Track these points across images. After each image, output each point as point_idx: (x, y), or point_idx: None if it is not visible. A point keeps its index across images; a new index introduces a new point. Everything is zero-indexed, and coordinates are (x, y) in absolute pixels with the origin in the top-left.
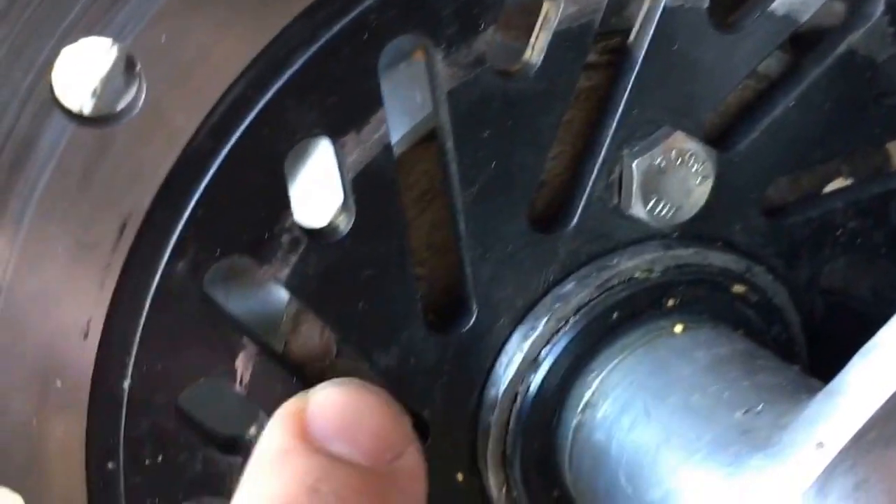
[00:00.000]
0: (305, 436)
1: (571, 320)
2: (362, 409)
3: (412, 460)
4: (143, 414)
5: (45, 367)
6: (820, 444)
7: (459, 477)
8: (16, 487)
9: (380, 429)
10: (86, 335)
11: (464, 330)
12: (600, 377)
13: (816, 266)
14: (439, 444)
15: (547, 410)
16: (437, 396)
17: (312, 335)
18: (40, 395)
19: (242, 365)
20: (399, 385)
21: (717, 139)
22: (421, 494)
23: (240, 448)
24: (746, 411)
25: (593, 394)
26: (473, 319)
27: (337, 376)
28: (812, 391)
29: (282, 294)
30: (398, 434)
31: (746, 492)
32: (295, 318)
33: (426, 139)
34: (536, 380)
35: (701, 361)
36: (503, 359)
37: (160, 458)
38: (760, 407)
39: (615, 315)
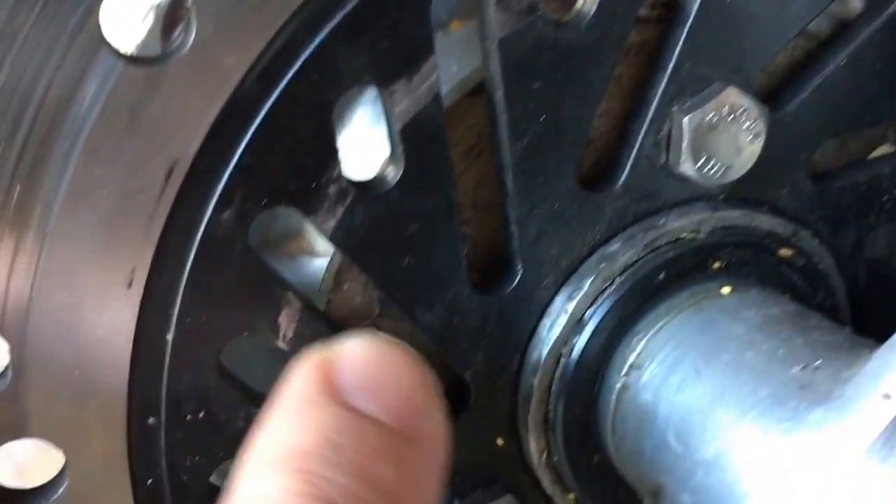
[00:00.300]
0: (330, 387)
1: (617, 280)
2: (391, 367)
3: (436, 426)
4: (185, 368)
5: (88, 317)
6: (887, 396)
7: (499, 441)
8: (57, 442)
9: (407, 389)
10: (129, 285)
11: (508, 290)
12: (646, 338)
13: (862, 232)
14: (480, 407)
15: (591, 373)
16: (480, 358)
17: (355, 293)
18: (83, 344)
19: (286, 321)
20: (442, 345)
21: (766, 100)
22: (441, 462)
23: None
24: (804, 367)
25: (639, 355)
26: (518, 279)
27: (380, 331)
28: (870, 348)
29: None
30: (425, 397)
31: (807, 447)
32: (337, 276)
33: (472, 93)
34: (581, 342)
35: (752, 320)
36: (547, 320)
37: (202, 415)
38: (818, 362)
39: (661, 276)
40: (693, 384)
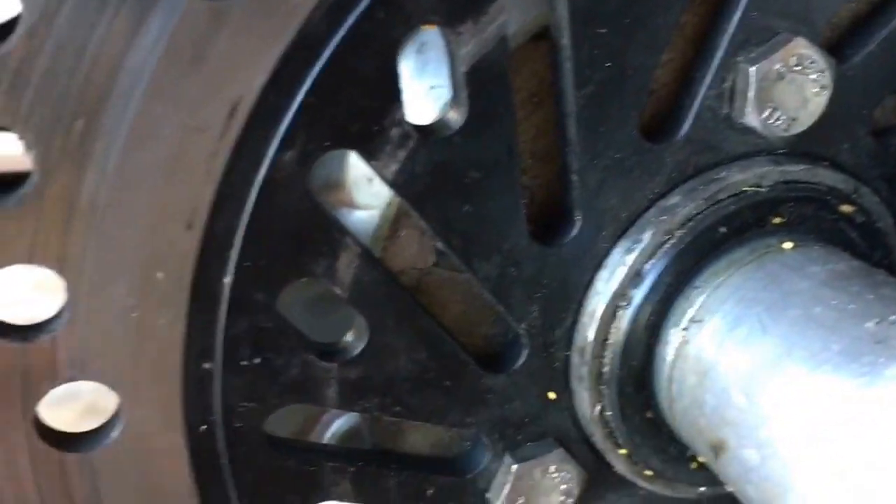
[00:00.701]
0: None
1: (677, 234)
2: None
3: None
4: (242, 312)
5: (148, 257)
6: None
7: (552, 396)
8: (112, 384)
9: None
10: (190, 226)
11: (565, 241)
12: (706, 293)
13: None
14: (534, 360)
15: (648, 327)
16: (535, 310)
17: (411, 242)
18: (142, 286)
19: (343, 267)
20: (497, 296)
21: (830, 53)
22: None
23: (336, 355)
24: (879, 321)
25: (699, 310)
26: (576, 230)
27: (433, 286)
28: None
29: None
30: None
31: (884, 400)
32: (394, 224)
33: (535, 38)
34: (638, 295)
35: (818, 276)
36: (604, 273)
37: (257, 361)
38: (894, 317)
39: (722, 230)
40: (759, 339)
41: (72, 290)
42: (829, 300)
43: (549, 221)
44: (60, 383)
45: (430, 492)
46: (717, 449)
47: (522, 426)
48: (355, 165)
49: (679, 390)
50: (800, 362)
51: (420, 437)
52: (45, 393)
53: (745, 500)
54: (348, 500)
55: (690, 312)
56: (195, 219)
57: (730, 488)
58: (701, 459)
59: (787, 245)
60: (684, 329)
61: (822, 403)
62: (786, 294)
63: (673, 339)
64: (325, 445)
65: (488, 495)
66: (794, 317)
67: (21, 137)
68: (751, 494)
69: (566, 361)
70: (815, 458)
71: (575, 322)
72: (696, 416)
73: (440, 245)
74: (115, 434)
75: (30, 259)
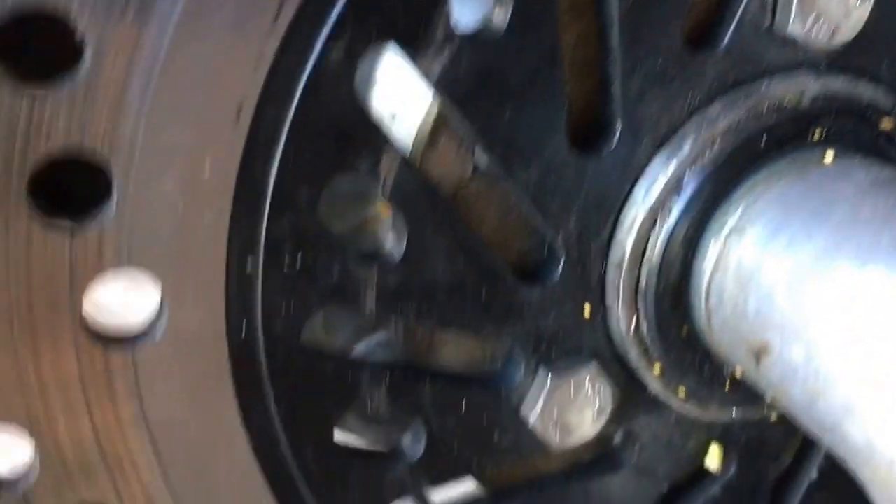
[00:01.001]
0: None
1: (717, 144)
2: None
3: None
4: (285, 210)
5: (196, 149)
6: None
7: (587, 311)
8: (158, 273)
9: None
10: (237, 118)
11: (605, 151)
12: (746, 203)
13: None
14: (570, 273)
15: (686, 240)
16: (572, 221)
17: (449, 151)
18: (189, 177)
19: (386, 168)
20: (535, 206)
21: None
22: None
23: (376, 260)
24: None
25: (739, 220)
26: (616, 139)
27: (470, 198)
28: None
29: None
30: None
31: None
32: (433, 134)
33: None
34: (678, 205)
35: (862, 182)
36: (643, 183)
37: (298, 261)
38: None
39: (762, 141)
40: (804, 242)
41: (120, 180)
42: (875, 202)
43: (588, 132)
44: (106, 278)
45: (463, 405)
46: (760, 353)
47: (557, 341)
48: (378, 105)
49: (718, 301)
50: (848, 259)
51: (454, 354)
52: (90, 286)
53: (787, 402)
54: (383, 410)
55: (731, 223)
56: (243, 110)
57: (769, 395)
58: (738, 372)
59: (829, 156)
60: (724, 239)
61: (870, 298)
62: (829, 200)
63: (712, 250)
64: (362, 355)
65: (522, 410)
66: (840, 220)
67: (74, 22)
68: (794, 394)
69: (602, 275)
70: (863, 353)
71: (612, 234)
72: (737, 323)
73: (479, 154)
74: (158, 332)
75: (80, 148)
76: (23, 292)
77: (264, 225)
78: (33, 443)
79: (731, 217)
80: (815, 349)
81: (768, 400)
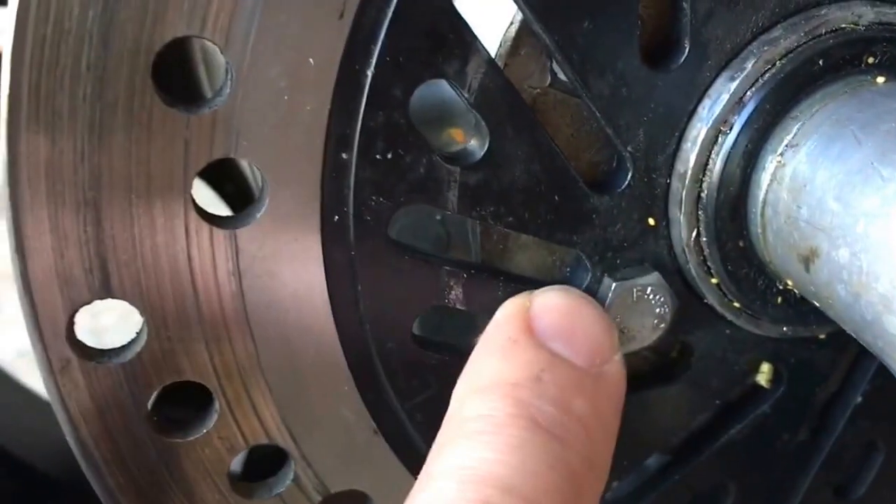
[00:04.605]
0: (530, 331)
1: (778, 64)
2: (580, 315)
3: (616, 368)
4: (380, 105)
5: (303, 43)
6: None
7: (651, 221)
8: (262, 164)
9: (593, 334)
10: (341, 15)
11: (673, 68)
12: (802, 120)
13: None
14: (637, 184)
15: (746, 154)
16: (641, 134)
17: (530, 60)
18: (294, 70)
19: (472, 72)
20: (608, 115)
21: None
22: (620, 400)
23: (459, 159)
24: None
25: (795, 136)
26: (684, 58)
27: (547, 106)
28: None
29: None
30: (608, 342)
31: None
32: (515, 43)
33: None
34: (739, 122)
35: None
36: (707, 100)
37: (389, 155)
38: None
39: (819, 64)
40: (853, 150)
41: (234, 66)
42: None
43: (658, 50)
44: (215, 158)
45: None
46: (809, 258)
47: (622, 250)
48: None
49: (773, 212)
50: (893, 164)
51: (525, 260)
52: (201, 166)
53: (832, 303)
54: (459, 306)
55: (787, 139)
56: (346, 9)
57: (816, 302)
58: (790, 284)
59: (880, 79)
60: (781, 154)
61: None
62: (879, 113)
63: (769, 165)
64: (442, 252)
65: None
66: (888, 129)
67: None
68: (840, 293)
69: (666, 188)
70: None
71: (677, 148)
72: (789, 232)
73: (558, 62)
74: (259, 214)
75: (200, 32)
76: (142, 168)
77: (360, 118)
78: (142, 313)
79: (788, 134)
80: (859, 248)
81: (816, 303)
